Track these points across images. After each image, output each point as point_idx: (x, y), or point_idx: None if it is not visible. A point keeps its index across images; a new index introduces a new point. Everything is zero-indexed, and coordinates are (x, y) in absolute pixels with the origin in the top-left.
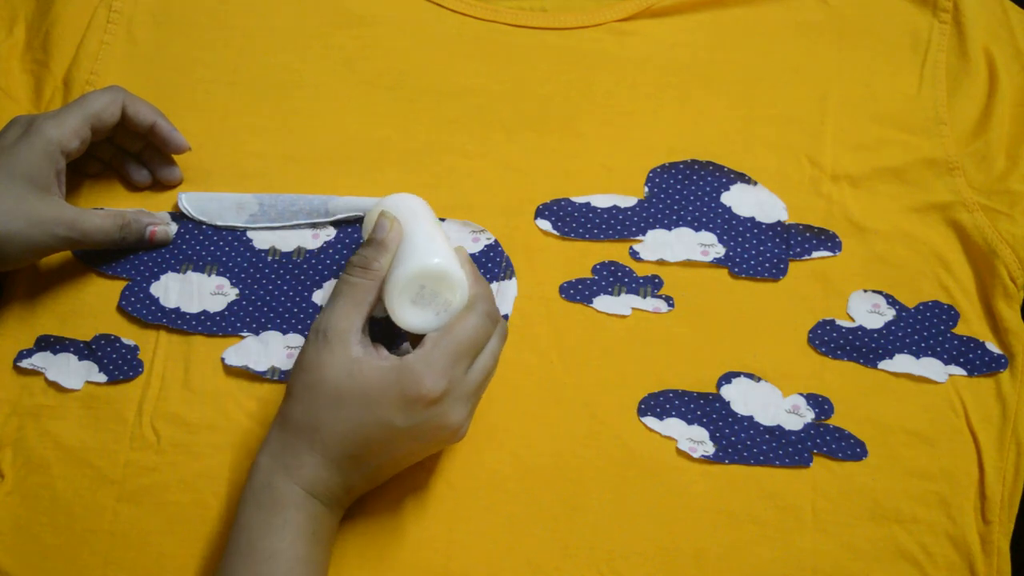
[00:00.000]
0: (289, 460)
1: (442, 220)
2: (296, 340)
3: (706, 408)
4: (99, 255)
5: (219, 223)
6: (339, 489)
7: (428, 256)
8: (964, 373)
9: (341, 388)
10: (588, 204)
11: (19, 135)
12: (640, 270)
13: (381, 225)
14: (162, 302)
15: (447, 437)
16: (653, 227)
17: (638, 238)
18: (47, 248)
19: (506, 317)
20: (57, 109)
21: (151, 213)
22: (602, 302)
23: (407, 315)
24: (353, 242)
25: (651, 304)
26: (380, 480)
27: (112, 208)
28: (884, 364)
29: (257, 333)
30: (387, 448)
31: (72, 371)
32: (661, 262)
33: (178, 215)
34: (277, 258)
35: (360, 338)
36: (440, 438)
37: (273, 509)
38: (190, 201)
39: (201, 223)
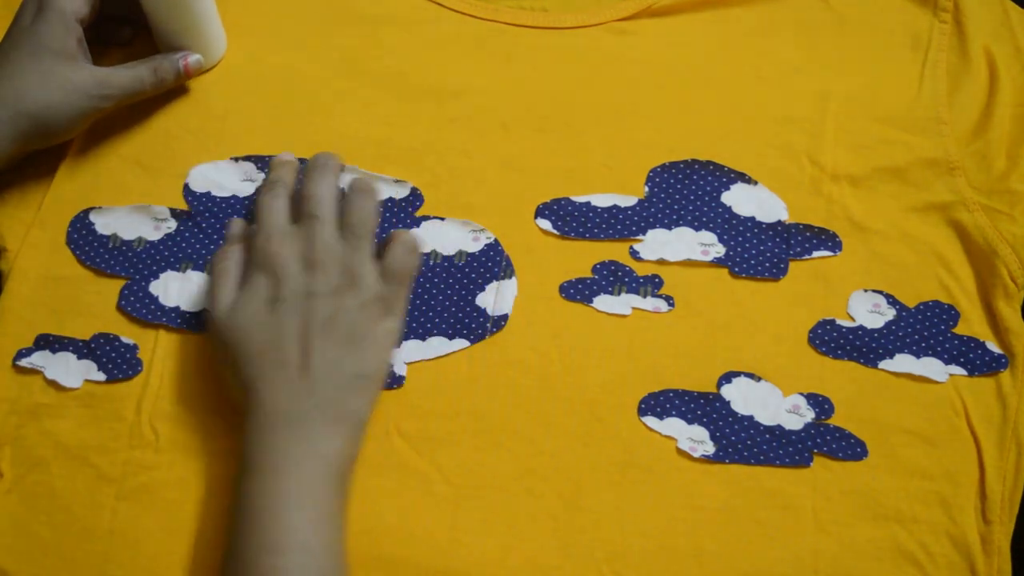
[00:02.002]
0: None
1: (442, 220)
2: None
3: (706, 408)
4: (99, 254)
5: (225, 194)
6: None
7: None
8: (964, 373)
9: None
10: (588, 204)
11: (33, 14)
12: (640, 270)
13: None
14: (162, 301)
15: None
16: (653, 227)
17: (638, 238)
18: (89, 111)
19: (506, 317)
20: None
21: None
22: (602, 302)
23: None
24: None
25: (651, 304)
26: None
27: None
28: (884, 364)
29: None
30: None
31: (71, 370)
32: (661, 262)
33: (179, 212)
34: None
35: None
36: None
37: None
38: (196, 176)
39: (205, 195)
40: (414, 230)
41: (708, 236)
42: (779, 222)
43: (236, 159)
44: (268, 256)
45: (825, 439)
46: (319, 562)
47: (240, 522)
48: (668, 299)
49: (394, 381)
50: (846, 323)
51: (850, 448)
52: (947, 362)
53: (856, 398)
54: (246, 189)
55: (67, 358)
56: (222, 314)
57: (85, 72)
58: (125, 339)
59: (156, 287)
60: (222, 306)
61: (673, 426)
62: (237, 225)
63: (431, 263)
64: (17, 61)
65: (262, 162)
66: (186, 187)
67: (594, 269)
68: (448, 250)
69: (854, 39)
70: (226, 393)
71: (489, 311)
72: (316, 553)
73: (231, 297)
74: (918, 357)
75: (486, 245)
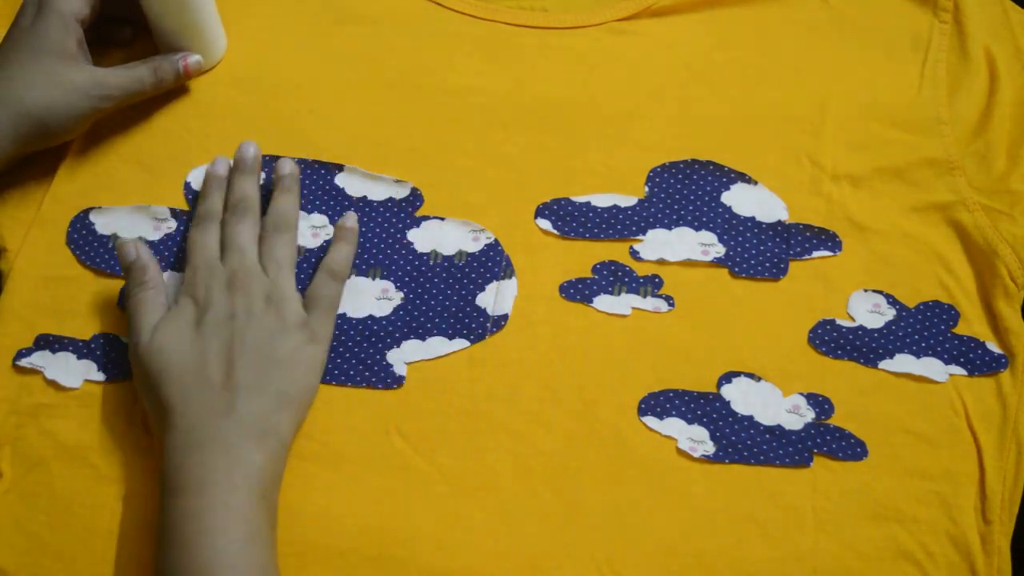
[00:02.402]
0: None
1: (442, 220)
2: None
3: (706, 408)
4: (99, 254)
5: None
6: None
7: None
8: (964, 373)
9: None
10: (588, 204)
11: (33, 15)
12: (640, 270)
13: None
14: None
15: None
16: (653, 227)
17: (638, 238)
18: (89, 112)
19: (506, 317)
20: None
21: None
22: (602, 302)
23: None
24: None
25: (651, 304)
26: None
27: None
28: (884, 364)
29: None
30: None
31: (71, 370)
32: (661, 262)
33: (179, 212)
34: None
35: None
36: None
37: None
38: (198, 175)
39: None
40: (348, 221)
41: (708, 236)
42: (779, 222)
43: None
44: (194, 286)
45: (825, 439)
46: None
47: (167, 547)
48: (668, 299)
49: (394, 381)
50: (846, 323)
51: (850, 448)
52: (947, 362)
53: (856, 398)
54: None
55: (67, 358)
56: (144, 337)
57: (85, 73)
58: (124, 339)
59: None
60: (144, 330)
61: (673, 426)
62: (144, 253)
63: (431, 263)
64: (17, 62)
65: (263, 162)
66: (187, 186)
67: (594, 269)
68: (448, 250)
69: (854, 39)
70: (145, 420)
71: (489, 311)
72: (247, 574)
73: (152, 322)
74: (918, 357)
75: (486, 245)
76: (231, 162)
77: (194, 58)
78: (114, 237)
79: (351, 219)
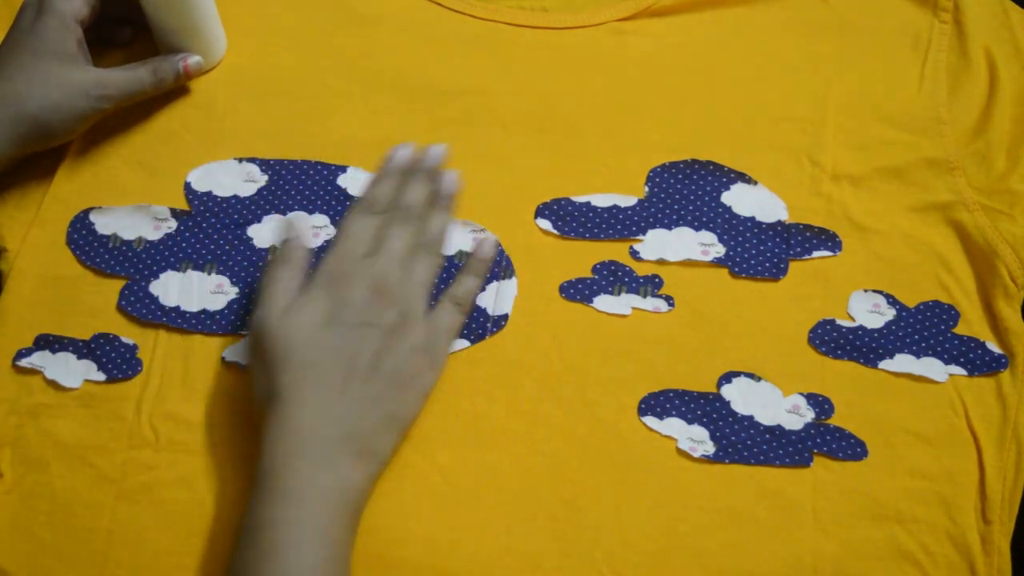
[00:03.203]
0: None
1: None
2: None
3: (706, 408)
4: (99, 254)
5: (226, 193)
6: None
7: None
8: (964, 373)
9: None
10: (588, 204)
11: (33, 16)
12: (640, 270)
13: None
14: (162, 301)
15: None
16: (653, 227)
17: (638, 238)
18: (89, 112)
19: (506, 317)
20: None
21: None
22: (602, 302)
23: None
24: None
25: (651, 304)
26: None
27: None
28: (884, 364)
29: None
30: None
31: (71, 370)
32: (661, 262)
33: (179, 211)
34: None
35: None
36: None
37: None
38: (198, 175)
39: (206, 195)
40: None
41: (708, 236)
42: (779, 222)
43: (240, 160)
44: (335, 277)
45: (825, 439)
46: None
47: (250, 547)
48: (668, 299)
49: None
50: (846, 323)
51: (850, 448)
52: (947, 362)
53: (856, 398)
54: (248, 190)
55: (67, 358)
56: (274, 315)
57: (85, 73)
58: (125, 339)
59: (156, 287)
60: (276, 308)
61: (673, 426)
62: (304, 234)
63: None
64: (17, 62)
65: (266, 164)
66: (187, 185)
67: (594, 269)
68: (448, 250)
69: (854, 39)
70: (249, 395)
71: (489, 311)
72: None
73: (286, 302)
74: (918, 357)
75: None
76: (412, 152)
77: (194, 59)
78: (114, 237)
79: (487, 249)
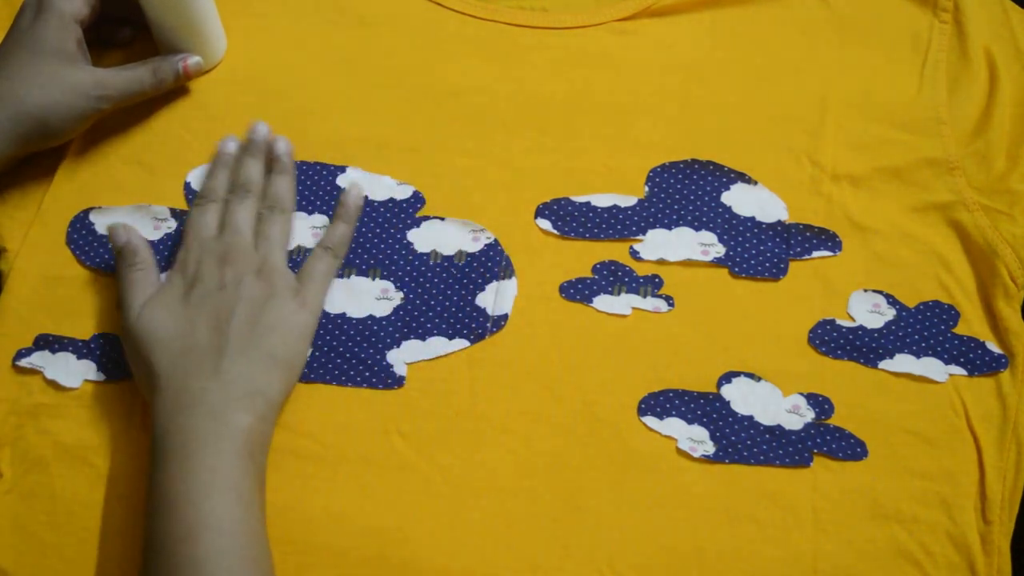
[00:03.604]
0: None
1: (442, 220)
2: None
3: (706, 408)
4: (99, 254)
5: None
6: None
7: None
8: (964, 373)
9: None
10: (588, 204)
11: (32, 16)
12: (640, 269)
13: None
14: None
15: None
16: (653, 227)
17: (638, 237)
18: (88, 112)
19: (506, 317)
20: None
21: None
22: (602, 301)
23: None
24: (353, 241)
25: (651, 304)
26: None
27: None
28: (884, 364)
29: None
30: None
31: (71, 370)
32: (661, 262)
33: (179, 212)
34: None
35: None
36: None
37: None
38: (198, 175)
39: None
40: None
41: (708, 236)
42: (779, 222)
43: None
44: (186, 263)
45: (825, 439)
46: (238, 546)
47: (155, 511)
48: (668, 299)
49: (394, 381)
50: (846, 323)
51: (850, 448)
52: (947, 362)
53: (856, 398)
54: None
55: (67, 358)
56: (133, 313)
57: (84, 73)
58: None
59: None
60: (135, 306)
61: (673, 426)
62: (135, 236)
63: (431, 263)
64: (17, 62)
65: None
66: (187, 186)
67: (594, 269)
68: (448, 250)
69: (854, 39)
70: (145, 419)
71: (489, 311)
72: (234, 537)
73: (144, 298)
74: (918, 357)
75: (486, 245)
76: (239, 142)
77: (194, 59)
78: None
79: (354, 195)
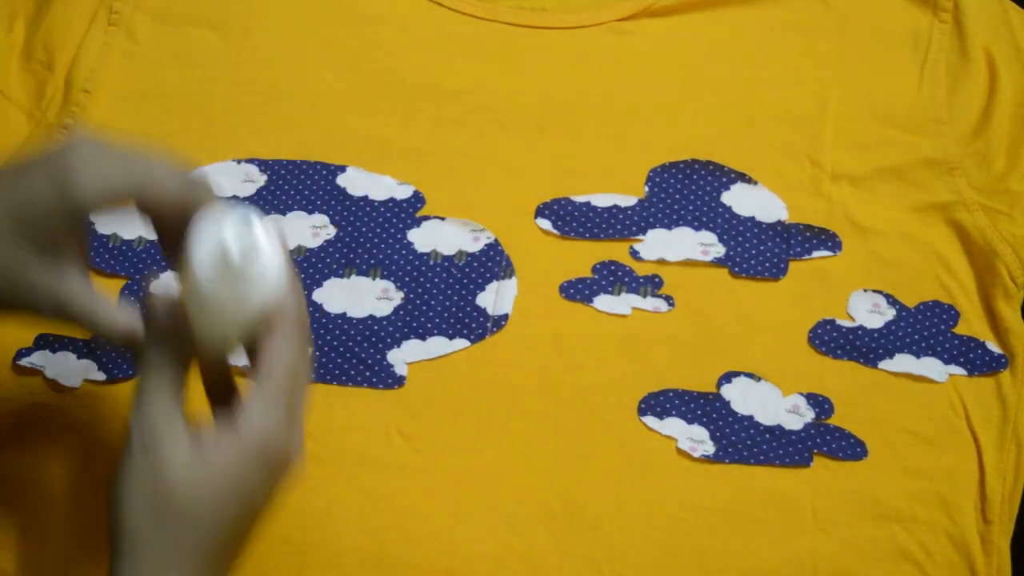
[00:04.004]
0: None
1: (442, 220)
2: None
3: (706, 407)
4: (99, 254)
5: (225, 195)
6: None
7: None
8: (964, 373)
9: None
10: (588, 203)
11: (41, 173)
12: (640, 269)
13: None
14: None
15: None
16: (653, 226)
17: (638, 237)
18: (32, 319)
19: (506, 317)
20: (107, 149)
21: None
22: (602, 301)
23: (204, 271)
24: (353, 241)
25: (651, 303)
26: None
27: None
28: (884, 364)
29: None
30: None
31: (71, 369)
32: (661, 261)
33: None
34: None
35: (180, 413)
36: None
37: None
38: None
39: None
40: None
41: (708, 236)
42: (779, 222)
43: (239, 161)
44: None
45: (825, 439)
46: None
47: None
48: (668, 299)
49: (395, 381)
50: (846, 323)
51: (850, 448)
52: (947, 362)
53: (856, 398)
54: (246, 190)
55: (67, 358)
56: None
57: (46, 278)
58: None
59: (156, 287)
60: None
61: (673, 426)
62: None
63: (431, 263)
64: None
65: (265, 165)
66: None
67: (594, 269)
68: (448, 250)
69: (854, 39)
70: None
71: (489, 311)
72: None
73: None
74: (918, 357)
75: (486, 245)
76: None
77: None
78: (114, 237)
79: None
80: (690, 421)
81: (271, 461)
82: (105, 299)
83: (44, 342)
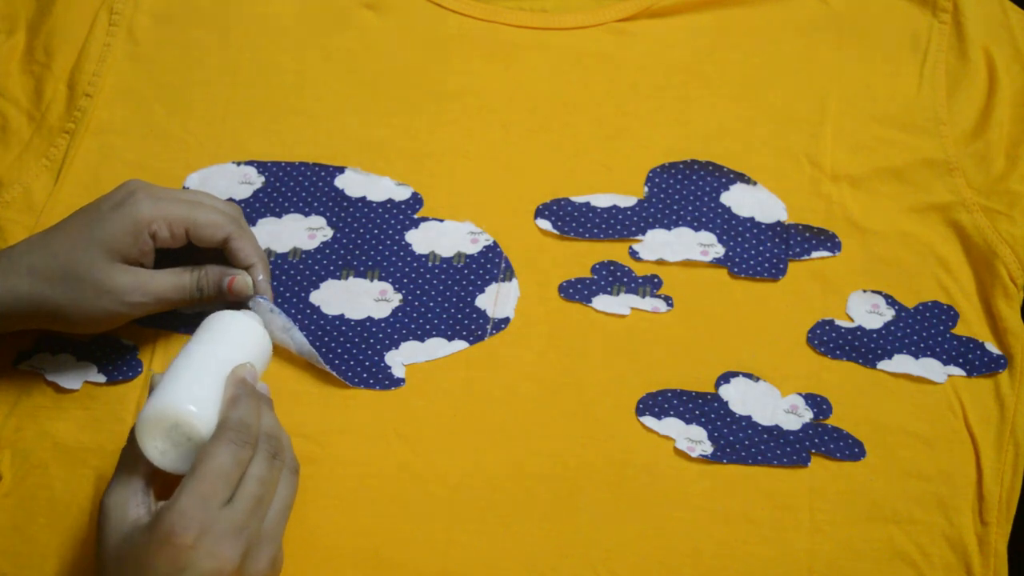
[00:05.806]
0: None
1: (441, 221)
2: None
3: (704, 408)
4: None
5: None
6: None
7: (176, 397)
8: (963, 373)
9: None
10: (588, 204)
11: (113, 206)
12: (639, 270)
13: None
14: None
15: None
16: (653, 227)
17: (637, 238)
18: (118, 315)
19: (507, 320)
20: (173, 190)
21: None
22: (601, 302)
23: (155, 454)
24: (350, 242)
25: (650, 304)
26: None
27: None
28: (883, 364)
29: None
30: None
31: (71, 371)
32: (660, 262)
33: None
34: (273, 259)
35: (137, 502)
36: None
37: None
38: (194, 179)
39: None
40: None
41: (707, 236)
42: (778, 222)
43: (238, 163)
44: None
45: (823, 439)
46: None
47: None
48: (667, 299)
49: (393, 383)
50: (845, 323)
51: (848, 448)
52: (946, 363)
53: (854, 398)
54: (244, 192)
55: (67, 360)
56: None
57: (127, 277)
58: (125, 340)
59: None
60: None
61: (671, 426)
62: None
63: (429, 264)
64: (69, 241)
65: (263, 167)
66: (186, 187)
67: (593, 269)
68: (446, 252)
69: (854, 39)
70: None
71: (489, 313)
72: None
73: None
74: (917, 358)
75: (484, 247)
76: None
77: (242, 278)
78: None
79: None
80: (688, 421)
81: (165, 550)
82: (166, 272)
83: (44, 344)
